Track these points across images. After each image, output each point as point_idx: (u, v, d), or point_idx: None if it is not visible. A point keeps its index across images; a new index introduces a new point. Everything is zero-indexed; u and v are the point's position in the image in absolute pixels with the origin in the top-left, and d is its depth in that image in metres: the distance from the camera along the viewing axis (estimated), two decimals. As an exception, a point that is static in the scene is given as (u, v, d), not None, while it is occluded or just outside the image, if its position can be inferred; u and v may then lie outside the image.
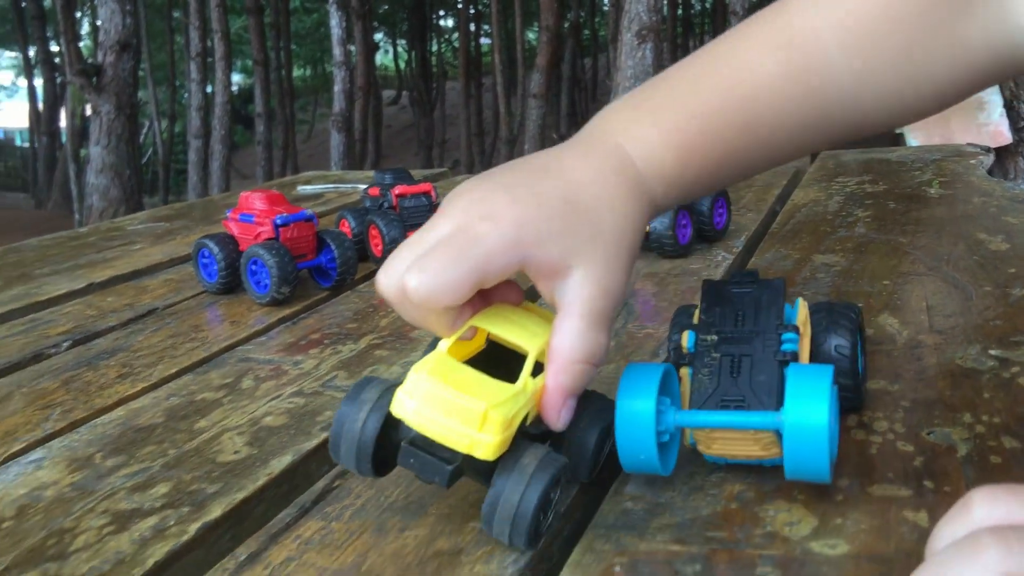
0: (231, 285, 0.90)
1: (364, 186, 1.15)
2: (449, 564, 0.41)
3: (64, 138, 10.77)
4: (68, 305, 0.93)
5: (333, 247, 0.89)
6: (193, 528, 0.46)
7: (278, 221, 0.87)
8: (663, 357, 0.64)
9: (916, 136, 2.27)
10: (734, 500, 0.44)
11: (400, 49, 17.76)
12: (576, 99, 11.66)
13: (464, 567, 0.40)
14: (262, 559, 0.43)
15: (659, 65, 3.56)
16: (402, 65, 17.64)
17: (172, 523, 0.47)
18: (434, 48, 16.66)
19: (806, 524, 0.41)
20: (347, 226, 1.02)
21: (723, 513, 0.43)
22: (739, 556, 0.39)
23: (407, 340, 0.74)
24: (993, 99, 2.30)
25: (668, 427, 0.43)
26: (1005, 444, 0.47)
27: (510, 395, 0.40)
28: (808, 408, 0.40)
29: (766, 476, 0.45)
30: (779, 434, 0.42)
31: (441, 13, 16.86)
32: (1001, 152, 2.12)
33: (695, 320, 0.48)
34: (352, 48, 8.18)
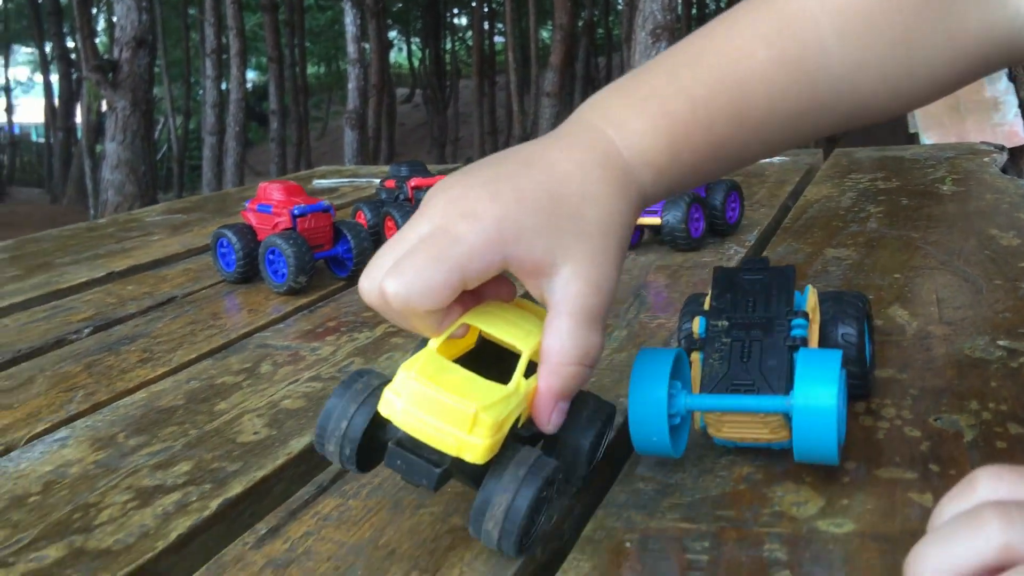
0: (249, 274, 0.92)
1: (379, 180, 1.16)
2: (464, 540, 0.42)
3: (80, 134, 10.83)
4: (88, 293, 0.94)
5: (350, 238, 0.90)
6: (214, 504, 0.47)
7: (296, 212, 0.88)
8: (674, 346, 0.65)
9: (930, 135, 2.27)
10: (743, 481, 0.45)
11: (414, 47, 17.79)
12: (589, 98, 11.60)
13: (477, 542, 0.41)
14: (281, 533, 0.44)
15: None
16: (416, 63, 17.67)
17: (194, 499, 0.48)
18: (448, 46, 16.68)
19: (813, 504, 0.42)
20: (363, 218, 1.04)
21: (732, 494, 0.44)
22: (747, 534, 0.40)
23: (422, 328, 0.75)
24: (1008, 99, 2.30)
25: (679, 410, 0.44)
26: (1011, 430, 0.47)
27: (501, 396, 0.38)
28: (817, 390, 0.41)
29: (775, 459, 0.46)
30: (788, 417, 0.43)
31: (455, 11, 16.88)
32: (1015, 152, 2.12)
33: (706, 306, 0.49)
34: (366, 46, 8.20)
